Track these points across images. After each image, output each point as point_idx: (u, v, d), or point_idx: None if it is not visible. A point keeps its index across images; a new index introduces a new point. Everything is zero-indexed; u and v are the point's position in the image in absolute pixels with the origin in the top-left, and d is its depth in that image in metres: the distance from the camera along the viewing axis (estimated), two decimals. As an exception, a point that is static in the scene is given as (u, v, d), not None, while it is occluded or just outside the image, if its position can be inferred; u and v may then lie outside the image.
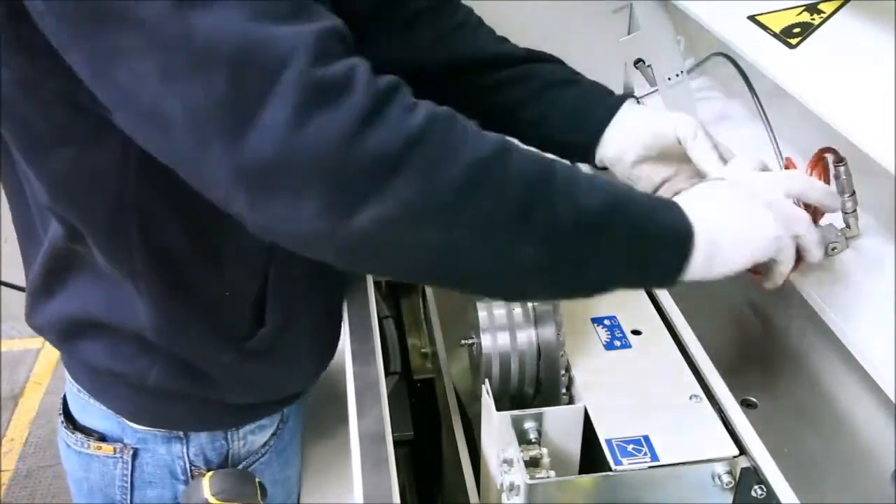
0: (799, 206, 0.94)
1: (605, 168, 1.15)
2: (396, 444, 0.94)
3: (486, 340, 1.03)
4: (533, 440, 0.94)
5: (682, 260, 0.82)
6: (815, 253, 0.93)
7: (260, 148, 0.68)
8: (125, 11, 0.68)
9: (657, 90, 1.46)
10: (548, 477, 0.88)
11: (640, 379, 1.00)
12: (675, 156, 1.06)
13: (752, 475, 0.90)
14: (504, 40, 1.18)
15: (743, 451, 0.92)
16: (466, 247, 0.73)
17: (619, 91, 1.53)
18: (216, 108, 0.68)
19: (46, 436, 2.75)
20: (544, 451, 0.91)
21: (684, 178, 1.09)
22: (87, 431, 1.07)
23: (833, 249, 1.00)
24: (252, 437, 1.07)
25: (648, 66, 1.44)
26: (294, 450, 1.18)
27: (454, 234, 0.72)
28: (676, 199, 0.87)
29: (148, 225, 0.90)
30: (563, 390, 0.99)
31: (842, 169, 1.01)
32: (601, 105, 1.09)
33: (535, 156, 0.77)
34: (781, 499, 0.88)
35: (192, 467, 1.04)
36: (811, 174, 1.01)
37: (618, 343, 1.04)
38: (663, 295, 1.12)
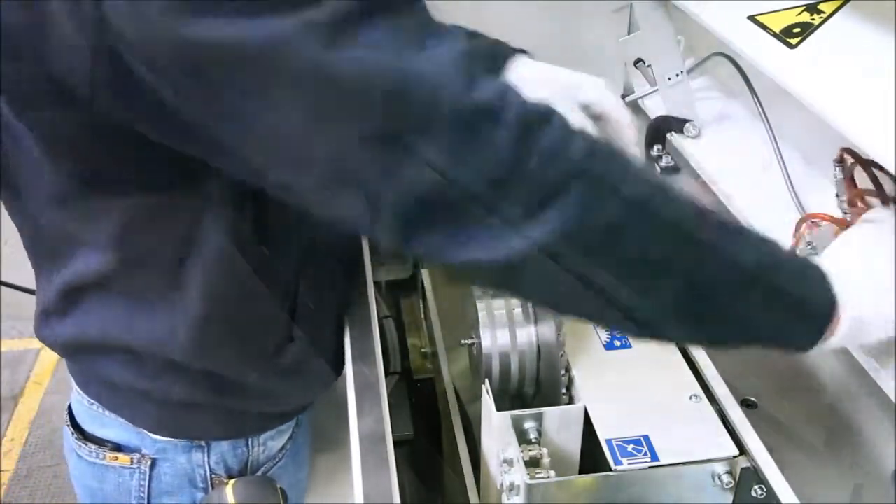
0: None
1: None
2: (396, 444, 0.93)
3: (486, 340, 1.03)
4: (533, 440, 0.94)
5: (821, 333, 0.78)
6: None
7: (419, 181, 0.67)
8: (269, 59, 0.66)
9: (657, 90, 1.46)
10: (548, 477, 0.88)
11: (640, 379, 1.00)
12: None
13: (752, 475, 0.90)
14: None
15: (743, 451, 0.92)
16: (604, 283, 0.71)
17: (619, 92, 1.55)
18: (370, 144, 0.67)
19: (46, 436, 2.75)
20: (544, 450, 0.91)
21: None
22: (99, 442, 1.06)
23: None
24: (271, 443, 1.08)
25: (648, 66, 1.44)
26: (306, 452, 1.18)
27: (596, 271, 0.71)
28: (827, 256, 0.83)
29: (205, 256, 0.91)
30: (563, 390, 0.99)
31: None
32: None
33: (689, 200, 0.75)
34: (781, 499, 0.88)
35: (213, 475, 1.04)
36: None
37: (618, 343, 1.04)
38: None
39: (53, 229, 0.93)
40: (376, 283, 1.30)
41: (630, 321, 0.75)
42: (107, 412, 1.04)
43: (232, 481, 1.02)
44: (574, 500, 0.88)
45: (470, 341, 1.09)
